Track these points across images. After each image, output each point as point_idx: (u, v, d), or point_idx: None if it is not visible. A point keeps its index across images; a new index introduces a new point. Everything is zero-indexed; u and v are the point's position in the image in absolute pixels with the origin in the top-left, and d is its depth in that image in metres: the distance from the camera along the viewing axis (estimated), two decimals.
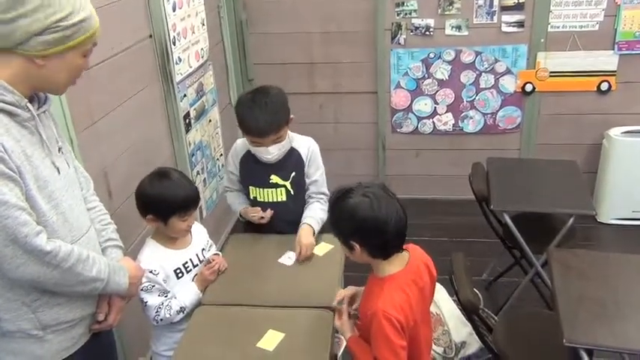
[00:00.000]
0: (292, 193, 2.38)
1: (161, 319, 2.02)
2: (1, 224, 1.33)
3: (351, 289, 1.91)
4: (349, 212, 1.65)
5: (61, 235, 1.50)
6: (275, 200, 2.39)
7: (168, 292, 2.04)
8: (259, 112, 2.21)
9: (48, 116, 1.57)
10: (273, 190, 2.37)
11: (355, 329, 1.82)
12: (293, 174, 2.36)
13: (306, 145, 2.40)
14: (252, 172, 2.40)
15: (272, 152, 2.27)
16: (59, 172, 1.52)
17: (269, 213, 2.36)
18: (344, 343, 1.96)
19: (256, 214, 2.36)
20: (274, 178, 2.36)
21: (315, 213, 2.35)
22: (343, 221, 1.67)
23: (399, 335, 1.63)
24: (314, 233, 2.28)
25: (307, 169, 2.39)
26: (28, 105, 1.43)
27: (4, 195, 1.33)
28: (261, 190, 2.39)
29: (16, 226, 1.34)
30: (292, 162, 2.37)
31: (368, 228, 1.63)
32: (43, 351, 1.54)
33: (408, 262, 1.75)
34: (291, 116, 2.32)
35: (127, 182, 2.38)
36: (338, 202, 1.69)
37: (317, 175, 2.41)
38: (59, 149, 1.57)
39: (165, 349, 2.12)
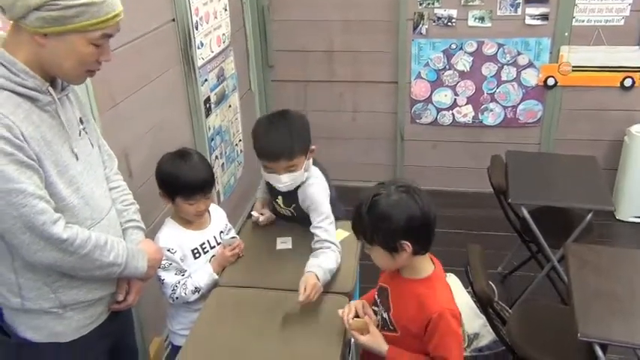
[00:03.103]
0: (296, 215, 2.28)
1: (177, 298, 2.05)
2: (19, 212, 1.35)
3: (356, 303, 1.82)
4: (393, 211, 1.57)
5: (82, 218, 1.52)
6: (282, 214, 2.35)
7: (185, 270, 2.08)
8: (274, 134, 2.06)
9: (70, 98, 1.57)
10: (279, 207, 2.32)
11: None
12: (294, 205, 2.24)
13: (307, 187, 2.17)
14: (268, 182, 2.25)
15: (284, 181, 2.09)
16: (77, 159, 1.53)
17: (266, 220, 2.33)
18: None
19: (256, 217, 2.34)
20: (279, 200, 2.28)
21: (324, 262, 2.02)
22: (388, 223, 1.58)
23: (460, 327, 1.65)
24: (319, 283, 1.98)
25: (306, 208, 2.19)
26: (49, 89, 1.44)
27: (22, 184, 1.34)
28: (271, 199, 2.36)
29: (33, 214, 1.36)
30: (293, 196, 2.20)
31: (418, 223, 1.58)
32: (62, 327, 1.57)
33: (433, 256, 1.73)
34: (312, 147, 2.13)
35: (147, 163, 2.40)
36: (373, 206, 1.60)
37: (320, 219, 2.12)
38: (80, 132, 1.58)
39: (180, 328, 2.16)
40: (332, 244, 2.09)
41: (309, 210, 2.17)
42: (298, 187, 2.17)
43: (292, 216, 2.31)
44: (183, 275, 2.07)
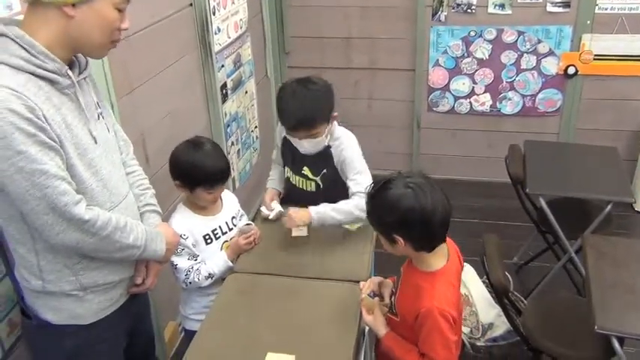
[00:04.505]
0: (322, 187, 2.29)
1: (190, 283, 2.07)
2: (42, 193, 1.35)
3: (377, 279, 1.86)
4: (392, 204, 1.55)
5: (101, 201, 1.52)
6: (305, 189, 2.34)
7: (198, 255, 2.09)
8: (294, 104, 2.08)
9: (88, 82, 1.57)
10: (304, 179, 2.32)
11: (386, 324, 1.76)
12: (324, 171, 2.25)
13: (339, 146, 2.21)
14: (290, 154, 2.33)
15: (304, 146, 2.17)
16: (96, 142, 1.53)
17: (275, 217, 2.29)
18: None
19: (266, 214, 2.31)
20: (306, 170, 2.28)
21: (339, 206, 2.12)
22: (385, 214, 1.58)
23: (453, 331, 1.59)
24: (311, 220, 2.09)
25: (341, 170, 2.23)
26: (69, 72, 1.43)
27: (45, 165, 1.34)
28: (294, 174, 2.36)
29: (55, 195, 1.37)
30: (324, 159, 2.23)
31: (413, 220, 1.54)
32: (82, 310, 1.58)
33: (449, 254, 1.69)
34: (335, 113, 2.17)
35: (163, 149, 2.41)
36: (378, 193, 1.60)
37: (353, 174, 2.18)
38: (98, 116, 1.58)
39: (193, 312, 2.18)
40: (357, 193, 2.11)
41: (344, 166, 2.19)
42: (329, 152, 2.20)
43: (317, 191, 2.29)
44: (195, 260, 2.08)
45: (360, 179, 2.14)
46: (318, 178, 2.27)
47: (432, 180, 1.60)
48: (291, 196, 2.39)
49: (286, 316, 1.83)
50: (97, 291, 1.59)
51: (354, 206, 2.10)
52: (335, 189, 2.23)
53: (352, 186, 2.15)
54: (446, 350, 1.59)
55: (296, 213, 2.11)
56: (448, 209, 1.57)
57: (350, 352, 1.69)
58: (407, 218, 1.54)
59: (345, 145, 2.21)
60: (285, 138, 2.34)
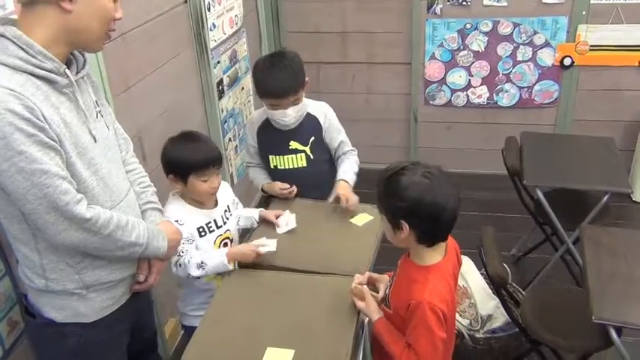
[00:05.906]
0: (312, 157, 2.41)
1: (180, 265, 2.01)
2: (43, 193, 1.35)
3: (371, 275, 1.87)
4: (405, 190, 1.55)
5: (102, 200, 1.52)
6: (295, 166, 2.42)
7: (193, 240, 2.06)
8: (279, 73, 2.26)
9: (86, 81, 1.57)
10: (293, 156, 2.41)
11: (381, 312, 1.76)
12: (312, 139, 2.40)
13: (322, 111, 2.44)
14: (271, 140, 2.43)
15: (290, 114, 2.30)
16: (95, 141, 1.53)
17: (294, 189, 2.37)
18: None
19: (285, 189, 2.37)
20: (294, 144, 2.40)
21: (350, 167, 2.43)
22: (396, 198, 1.57)
23: (441, 327, 1.58)
24: (351, 187, 2.37)
25: (328, 134, 2.44)
26: (67, 71, 1.44)
27: (45, 164, 1.35)
28: (281, 157, 2.42)
29: (57, 194, 1.37)
30: (310, 127, 2.41)
31: (423, 211, 1.54)
32: (85, 308, 1.59)
33: (447, 250, 1.69)
34: (306, 79, 2.36)
35: (160, 146, 2.39)
36: (392, 177, 1.59)
37: (341, 136, 2.47)
38: (97, 114, 1.58)
39: (191, 308, 2.18)
40: (351, 150, 2.50)
41: (332, 127, 2.44)
42: (313, 117, 2.41)
43: (307, 165, 2.41)
44: (190, 244, 2.04)
45: (345, 138, 2.47)
46: (307, 148, 2.40)
47: (449, 176, 1.61)
48: (277, 174, 2.46)
49: (286, 311, 1.84)
50: (100, 289, 1.60)
51: (356, 164, 2.47)
52: (323, 157, 2.45)
53: (344, 145, 2.47)
54: (430, 346, 1.57)
55: (345, 191, 2.31)
56: (457, 208, 1.58)
57: (349, 346, 1.70)
58: (417, 206, 1.54)
59: (326, 108, 2.47)
60: (260, 130, 2.46)
